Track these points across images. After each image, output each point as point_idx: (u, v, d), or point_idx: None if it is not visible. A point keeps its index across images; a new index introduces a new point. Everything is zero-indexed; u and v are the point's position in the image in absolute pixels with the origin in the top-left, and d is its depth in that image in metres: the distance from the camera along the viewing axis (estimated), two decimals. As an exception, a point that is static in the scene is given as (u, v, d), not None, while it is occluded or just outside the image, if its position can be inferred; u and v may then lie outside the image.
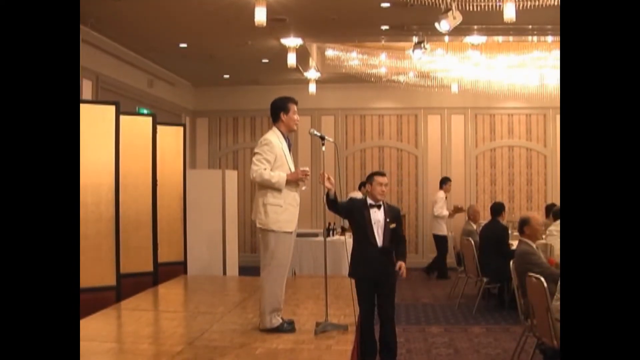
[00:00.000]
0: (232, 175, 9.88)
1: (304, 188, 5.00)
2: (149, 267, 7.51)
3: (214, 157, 13.24)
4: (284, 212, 4.79)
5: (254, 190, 5.09)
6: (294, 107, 5.01)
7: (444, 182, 11.55)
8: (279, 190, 4.75)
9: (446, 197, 11.38)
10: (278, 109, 4.96)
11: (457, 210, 11.44)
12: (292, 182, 4.83)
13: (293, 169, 4.90)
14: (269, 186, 4.74)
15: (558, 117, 12.34)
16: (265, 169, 4.73)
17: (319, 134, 5.20)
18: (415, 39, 8.90)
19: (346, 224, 9.96)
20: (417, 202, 12.82)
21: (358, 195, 10.66)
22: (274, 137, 4.89)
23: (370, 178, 5.61)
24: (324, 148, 5.14)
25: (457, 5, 7.16)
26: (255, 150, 4.85)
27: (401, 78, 10.93)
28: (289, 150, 4.99)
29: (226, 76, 12.02)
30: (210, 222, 9.25)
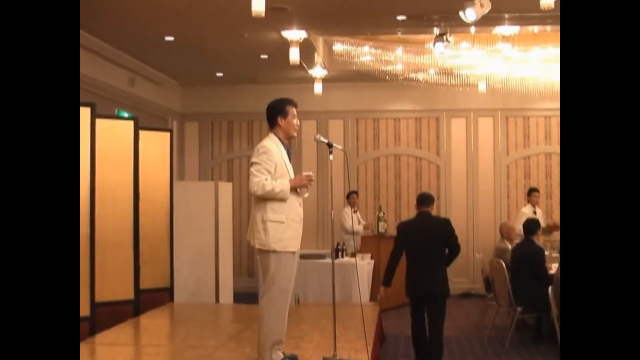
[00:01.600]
0: (226, 188, 9.99)
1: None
2: (129, 295, 7.51)
3: (206, 167, 13.29)
4: (286, 229, 4.85)
5: (252, 204, 5.18)
6: (292, 110, 5.08)
7: (531, 193, 11.16)
8: (281, 202, 4.83)
9: (535, 212, 10.71)
10: (275, 113, 5.05)
11: (552, 227, 10.96)
12: (295, 190, 4.92)
13: None
14: (272, 198, 4.82)
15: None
16: (266, 179, 4.81)
17: (325, 141, 5.26)
18: (436, 31, 8.92)
19: (350, 240, 10.36)
20: None
21: (349, 211, 11.01)
22: (272, 145, 4.97)
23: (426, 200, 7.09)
24: (331, 157, 5.21)
25: (485, -10, 7.21)
26: (253, 159, 4.94)
27: (420, 76, 10.96)
28: (289, 159, 5.07)
29: (219, 74, 12.09)
30: (201, 242, 9.32)
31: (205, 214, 9.42)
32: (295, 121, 5.08)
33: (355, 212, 11.16)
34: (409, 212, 12.35)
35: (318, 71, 11.18)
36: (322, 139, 5.33)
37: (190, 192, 9.44)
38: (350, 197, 11.25)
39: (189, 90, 13.22)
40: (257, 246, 4.88)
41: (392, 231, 9.12)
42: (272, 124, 5.05)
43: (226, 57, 10.75)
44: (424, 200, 7.10)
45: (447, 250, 6.94)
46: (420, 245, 6.81)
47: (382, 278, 7.10)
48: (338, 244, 9.91)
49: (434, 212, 7.16)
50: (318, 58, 10.70)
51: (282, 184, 4.84)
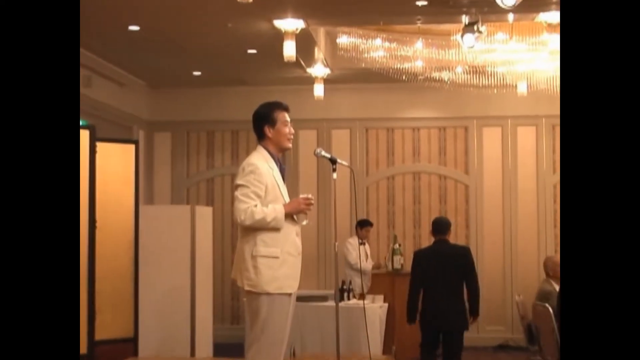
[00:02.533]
0: (205, 214, 9.95)
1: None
2: (82, 348, 7.49)
3: (180, 187, 13.21)
4: (281, 266, 4.91)
5: (237, 235, 5.21)
6: (283, 116, 5.13)
7: None
8: (274, 232, 4.89)
9: None
10: (260, 122, 5.11)
11: None
12: (290, 216, 4.95)
13: None
14: (262, 227, 4.86)
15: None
16: (256, 206, 4.85)
17: (328, 156, 5.36)
18: (465, 19, 8.87)
19: (357, 278, 10.41)
20: None
21: (354, 241, 11.05)
22: (261, 161, 5.01)
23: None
24: (335, 175, 5.28)
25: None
26: (238, 181, 4.97)
27: (445, 75, 10.93)
28: (283, 178, 5.12)
29: (197, 73, 12.05)
30: (174, 281, 9.32)
31: (179, 245, 9.40)
32: (288, 129, 5.12)
33: (362, 243, 11.18)
34: (430, 241, 12.34)
35: (319, 70, 11.12)
36: (323, 153, 5.38)
37: (160, 218, 9.41)
38: (364, 229, 11.32)
39: (159, 92, 13.20)
40: (245, 287, 4.92)
41: (409, 266, 8.94)
42: (260, 135, 5.11)
43: (205, 52, 10.70)
44: (440, 226, 8.02)
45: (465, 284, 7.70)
46: (437, 276, 7.69)
47: (406, 315, 7.94)
48: (343, 283, 9.87)
49: (452, 239, 7.78)
50: (319, 53, 10.66)
51: (275, 210, 4.87)
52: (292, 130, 5.17)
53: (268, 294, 4.85)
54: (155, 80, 12.78)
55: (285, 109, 5.17)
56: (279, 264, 4.90)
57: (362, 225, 11.25)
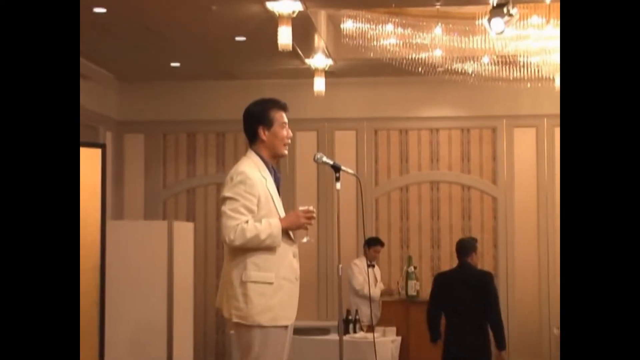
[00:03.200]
0: (185, 231, 10.09)
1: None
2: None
3: (155, 199, 13.20)
4: (276, 293, 4.92)
5: (224, 257, 5.21)
6: (281, 117, 5.16)
7: None
8: (268, 253, 4.90)
9: None
10: (253, 122, 5.14)
11: None
12: (287, 233, 4.98)
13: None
14: (255, 247, 4.87)
15: None
16: (247, 222, 4.86)
17: (330, 162, 5.37)
18: (492, 0, 8.83)
19: (365, 306, 10.47)
20: (497, 276, 12.06)
21: (361, 263, 11.11)
22: (252, 169, 5.02)
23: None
24: (338, 185, 5.28)
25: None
26: (225, 193, 4.97)
27: (469, 67, 10.96)
28: (278, 190, 5.14)
29: (175, 64, 12.10)
30: (147, 310, 9.40)
31: (154, 269, 9.47)
32: (286, 132, 5.15)
33: (371, 266, 11.16)
34: (453, 265, 11.71)
35: (319, 61, 11.14)
36: (325, 159, 5.40)
37: (131, 235, 9.51)
38: (373, 249, 11.30)
39: (130, 87, 13.18)
40: (233, 319, 4.92)
41: (427, 293, 9.25)
42: (252, 138, 5.13)
43: (185, 40, 10.73)
44: (462, 248, 8.57)
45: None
46: (457, 302, 8.27)
47: (429, 335, 8.61)
48: (349, 313, 9.84)
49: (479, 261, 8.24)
50: (319, 41, 10.64)
51: (270, 225, 4.87)
52: (291, 134, 5.20)
53: (260, 326, 4.86)
54: (125, 73, 12.79)
55: (283, 107, 5.19)
56: (273, 290, 4.90)
57: (371, 244, 11.21)
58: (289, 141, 5.19)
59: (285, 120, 5.15)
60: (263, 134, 5.08)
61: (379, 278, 11.42)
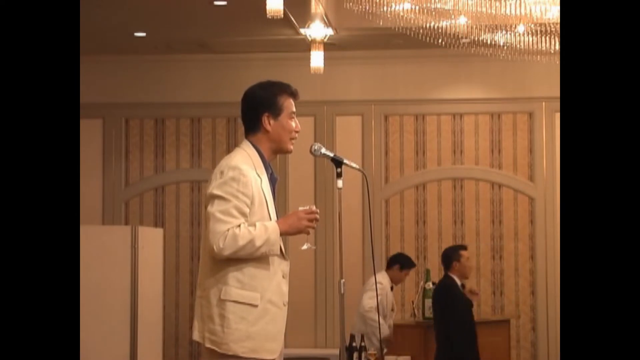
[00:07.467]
0: (152, 238, 10.33)
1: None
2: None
3: (115, 199, 12.94)
4: (260, 319, 4.85)
5: (199, 269, 5.14)
6: (290, 104, 5.12)
7: None
8: (255, 266, 4.83)
9: None
10: (259, 108, 5.07)
11: None
12: (284, 237, 5.02)
13: None
14: (247, 257, 4.81)
15: None
16: (239, 226, 4.79)
17: (331, 155, 5.33)
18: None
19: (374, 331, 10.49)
20: (534, 294, 12.32)
21: (386, 282, 10.86)
22: (248, 164, 4.95)
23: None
24: (340, 183, 5.20)
25: None
26: (214, 190, 4.87)
27: (500, 38, 10.52)
28: (273, 194, 5.13)
29: (140, 34, 11.88)
30: (106, 334, 9.49)
31: (115, 283, 9.61)
32: (295, 124, 5.09)
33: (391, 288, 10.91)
34: (480, 280, 12.42)
35: (317, 30, 10.64)
36: (323, 150, 5.29)
37: (87, 244, 8.84)
38: (404, 271, 10.96)
39: (84, 62, 12.65)
40: (206, 343, 4.82)
41: None
42: (252, 127, 5.04)
43: (152, 4, 10.41)
44: (443, 259, 9.52)
45: None
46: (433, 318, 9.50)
47: None
48: (352, 339, 9.29)
49: None
50: (317, 7, 10.25)
51: (266, 230, 4.78)
52: (299, 127, 5.14)
53: (237, 357, 4.77)
54: (81, 45, 12.08)
55: (294, 94, 5.14)
56: (256, 315, 4.80)
57: (406, 266, 10.93)
58: (297, 135, 5.16)
59: (294, 109, 5.12)
60: (268, 123, 5.01)
61: (394, 305, 11.16)
